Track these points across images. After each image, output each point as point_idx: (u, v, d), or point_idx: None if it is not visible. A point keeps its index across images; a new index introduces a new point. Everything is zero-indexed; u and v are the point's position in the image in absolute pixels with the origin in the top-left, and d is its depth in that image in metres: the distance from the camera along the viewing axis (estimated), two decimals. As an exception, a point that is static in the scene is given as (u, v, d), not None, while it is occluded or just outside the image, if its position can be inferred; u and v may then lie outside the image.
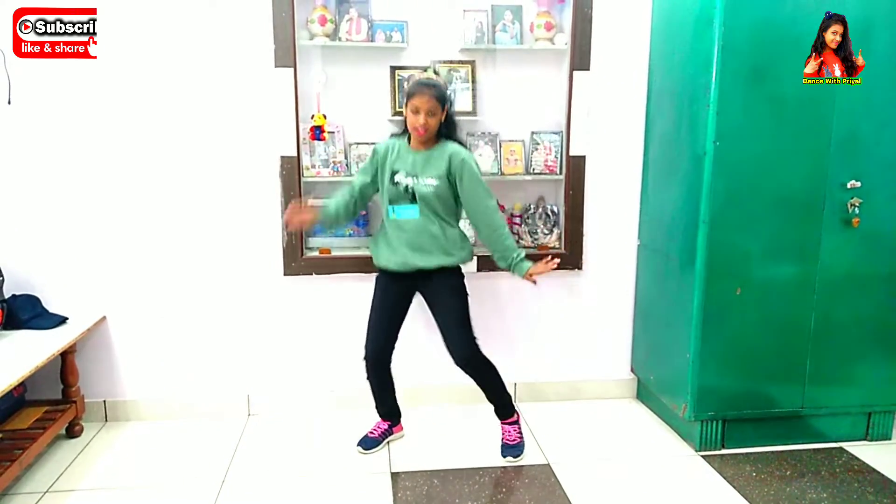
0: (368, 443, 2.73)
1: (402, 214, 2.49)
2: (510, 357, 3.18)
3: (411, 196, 2.46)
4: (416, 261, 2.48)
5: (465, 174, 2.44)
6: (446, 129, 2.50)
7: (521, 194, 3.19)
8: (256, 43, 2.81)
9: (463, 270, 2.62)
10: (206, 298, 2.99)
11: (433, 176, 2.44)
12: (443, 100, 2.42)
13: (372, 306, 2.65)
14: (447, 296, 2.56)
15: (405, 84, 2.51)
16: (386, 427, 2.78)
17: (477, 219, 2.51)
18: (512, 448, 2.68)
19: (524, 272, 2.48)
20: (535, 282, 2.52)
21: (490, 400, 2.71)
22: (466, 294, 2.59)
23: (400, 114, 3.00)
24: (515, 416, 2.74)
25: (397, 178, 2.48)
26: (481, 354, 2.58)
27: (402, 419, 2.86)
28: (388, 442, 2.79)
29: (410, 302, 2.66)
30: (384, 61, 3.01)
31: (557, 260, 2.51)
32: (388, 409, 2.78)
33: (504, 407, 2.72)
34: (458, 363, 2.55)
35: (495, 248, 2.52)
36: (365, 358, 2.65)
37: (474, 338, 2.57)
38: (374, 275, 2.92)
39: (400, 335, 2.66)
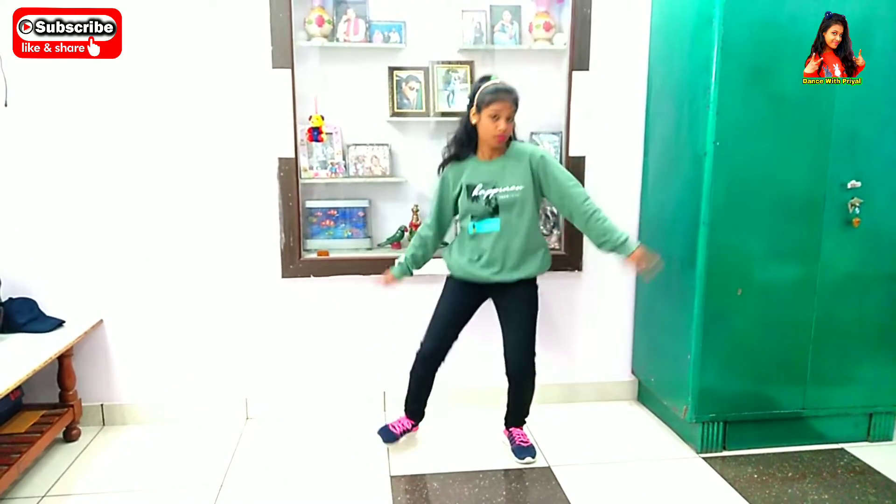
0: (389, 435, 2.71)
1: (483, 228, 2.48)
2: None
3: (493, 208, 2.45)
4: (496, 277, 2.50)
5: (549, 169, 2.46)
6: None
7: (520, 195, 3.18)
8: (254, 44, 2.80)
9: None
10: (203, 301, 2.97)
11: (516, 182, 2.44)
12: (518, 105, 2.42)
13: (439, 305, 2.64)
14: (522, 308, 2.57)
15: (471, 94, 2.46)
16: (409, 426, 2.77)
17: (569, 210, 2.49)
18: (528, 449, 2.67)
19: (630, 252, 2.40)
20: (642, 269, 2.45)
21: (513, 409, 2.73)
22: (538, 305, 2.60)
23: (399, 115, 3.00)
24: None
25: (476, 192, 2.47)
26: (534, 369, 2.61)
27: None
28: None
29: (478, 308, 2.65)
30: (382, 62, 3.00)
31: (659, 261, 2.48)
32: (419, 408, 2.76)
33: (523, 416, 2.75)
34: (511, 371, 2.58)
35: (594, 233, 2.46)
36: (420, 353, 2.63)
37: (534, 352, 2.60)
38: (374, 276, 2.92)
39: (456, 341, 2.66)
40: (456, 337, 2.64)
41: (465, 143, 2.50)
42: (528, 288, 2.58)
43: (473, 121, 2.45)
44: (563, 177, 2.47)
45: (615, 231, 2.43)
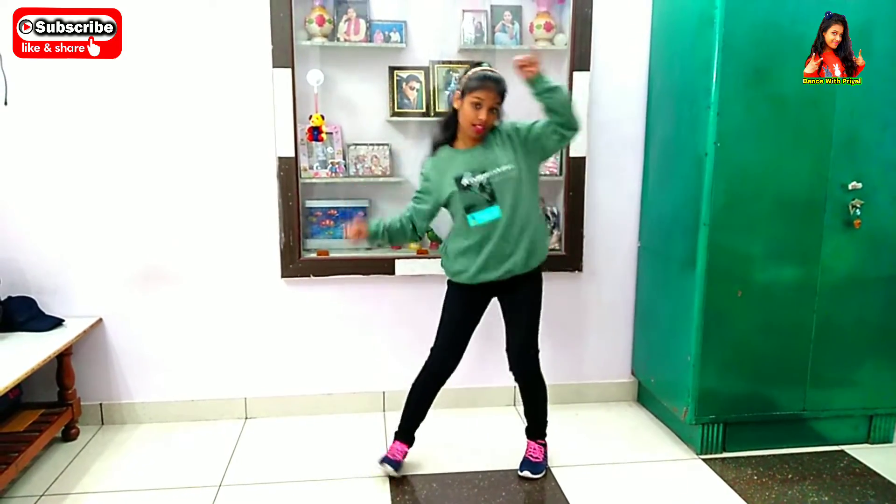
0: (394, 463, 2.52)
1: (482, 219, 2.29)
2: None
3: (489, 194, 2.28)
4: (509, 269, 2.33)
5: (521, 127, 2.33)
6: None
7: (520, 196, 3.17)
8: (254, 43, 2.79)
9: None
10: (203, 300, 2.97)
11: (505, 162, 2.28)
12: (504, 96, 2.28)
13: (448, 319, 2.46)
14: (529, 303, 2.45)
15: (460, 78, 2.33)
16: (406, 450, 2.58)
17: (551, 131, 2.30)
18: (536, 464, 2.58)
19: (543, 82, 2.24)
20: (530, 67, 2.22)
21: (528, 417, 2.60)
22: (541, 298, 2.48)
23: (399, 114, 2.99)
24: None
25: (465, 181, 2.29)
26: (539, 364, 2.51)
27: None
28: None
29: (486, 309, 2.50)
30: (383, 62, 2.99)
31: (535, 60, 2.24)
32: (413, 431, 2.58)
33: (541, 426, 2.61)
34: (518, 369, 2.48)
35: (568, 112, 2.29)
36: (430, 372, 2.48)
37: (538, 349, 2.50)
38: (374, 276, 2.91)
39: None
40: (465, 349, 2.50)
41: (445, 128, 2.38)
42: (535, 279, 2.44)
43: (455, 105, 2.30)
44: (529, 124, 2.33)
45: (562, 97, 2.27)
